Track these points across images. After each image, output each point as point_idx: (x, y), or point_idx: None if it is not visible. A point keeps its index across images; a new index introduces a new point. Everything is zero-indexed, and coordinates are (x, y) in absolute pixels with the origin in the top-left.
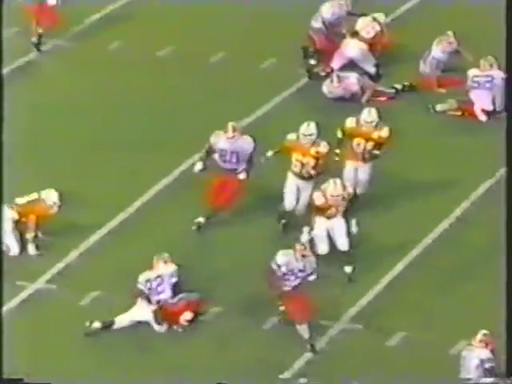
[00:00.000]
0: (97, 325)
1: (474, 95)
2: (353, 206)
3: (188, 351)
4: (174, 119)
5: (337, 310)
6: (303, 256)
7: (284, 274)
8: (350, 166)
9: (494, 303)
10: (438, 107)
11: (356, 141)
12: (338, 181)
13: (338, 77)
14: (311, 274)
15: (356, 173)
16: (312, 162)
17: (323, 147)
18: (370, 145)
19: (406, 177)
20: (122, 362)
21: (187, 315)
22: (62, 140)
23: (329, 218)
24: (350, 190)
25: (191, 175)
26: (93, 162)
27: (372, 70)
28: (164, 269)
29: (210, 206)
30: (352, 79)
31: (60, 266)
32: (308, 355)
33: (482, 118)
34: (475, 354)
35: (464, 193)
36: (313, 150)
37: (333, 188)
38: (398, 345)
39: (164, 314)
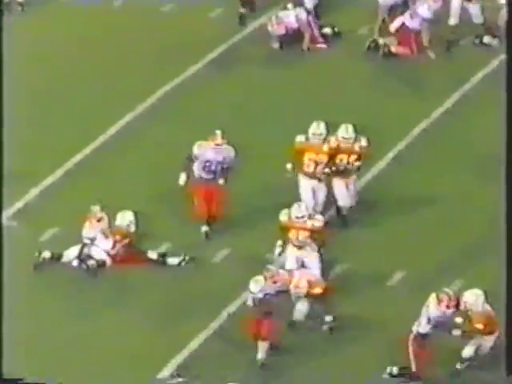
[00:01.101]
0: (47, 254)
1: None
2: (327, 239)
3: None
4: (126, 67)
5: None
6: (275, 282)
7: (261, 299)
8: (338, 183)
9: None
10: (381, 41)
11: (339, 157)
12: (303, 203)
13: (277, 17)
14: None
15: (346, 189)
16: (325, 159)
17: (333, 142)
18: (352, 158)
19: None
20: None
21: (152, 254)
22: (19, 88)
23: (299, 247)
24: (318, 223)
25: (143, 120)
26: (50, 108)
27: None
28: (97, 226)
29: (201, 215)
30: (291, 18)
31: (20, 204)
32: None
33: (392, 28)
34: (426, 312)
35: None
36: (325, 147)
37: (297, 210)
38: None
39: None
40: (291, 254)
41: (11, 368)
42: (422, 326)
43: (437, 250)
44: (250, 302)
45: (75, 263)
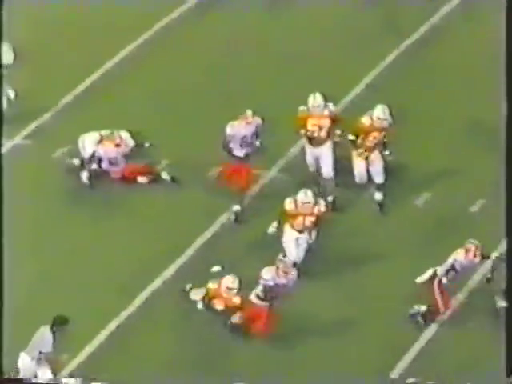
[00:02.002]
0: (77, 161)
1: None
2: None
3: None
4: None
5: None
6: (285, 273)
7: (270, 287)
8: (360, 162)
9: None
10: None
11: (372, 135)
12: (309, 191)
13: None
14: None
15: (368, 167)
16: (328, 122)
17: (332, 107)
18: (382, 135)
19: None
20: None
21: (142, 179)
22: (31, 20)
23: (299, 231)
24: (323, 208)
25: (145, 50)
26: (61, 36)
27: None
28: (113, 150)
29: (230, 189)
30: None
31: (34, 125)
32: None
33: None
34: (453, 260)
35: None
36: (325, 112)
37: (303, 196)
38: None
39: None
40: (290, 236)
41: (11, 265)
42: (448, 272)
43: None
44: (259, 290)
45: (84, 178)
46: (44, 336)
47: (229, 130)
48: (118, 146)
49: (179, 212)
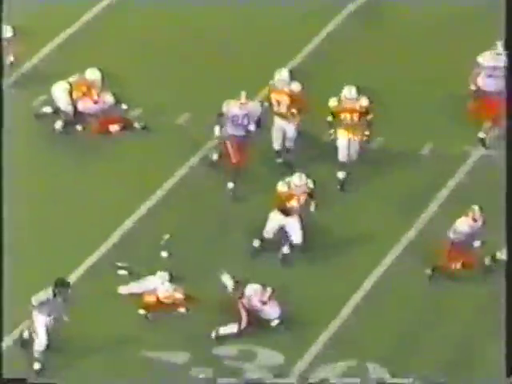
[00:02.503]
0: (48, 109)
1: None
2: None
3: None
4: None
5: None
6: (264, 303)
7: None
8: (342, 139)
9: None
10: None
11: (342, 115)
12: (303, 175)
13: None
14: (273, 319)
15: (348, 144)
16: (287, 99)
17: (296, 86)
18: (355, 116)
19: None
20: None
21: (113, 127)
22: None
23: (287, 214)
24: (311, 185)
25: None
26: None
27: None
28: (91, 106)
29: (229, 164)
30: None
31: (17, 75)
32: None
33: None
34: (458, 224)
35: None
36: (286, 88)
37: (298, 179)
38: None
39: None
40: (273, 220)
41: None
42: (454, 235)
43: None
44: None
45: (59, 126)
46: (46, 297)
47: (224, 108)
48: (96, 103)
49: (150, 156)
